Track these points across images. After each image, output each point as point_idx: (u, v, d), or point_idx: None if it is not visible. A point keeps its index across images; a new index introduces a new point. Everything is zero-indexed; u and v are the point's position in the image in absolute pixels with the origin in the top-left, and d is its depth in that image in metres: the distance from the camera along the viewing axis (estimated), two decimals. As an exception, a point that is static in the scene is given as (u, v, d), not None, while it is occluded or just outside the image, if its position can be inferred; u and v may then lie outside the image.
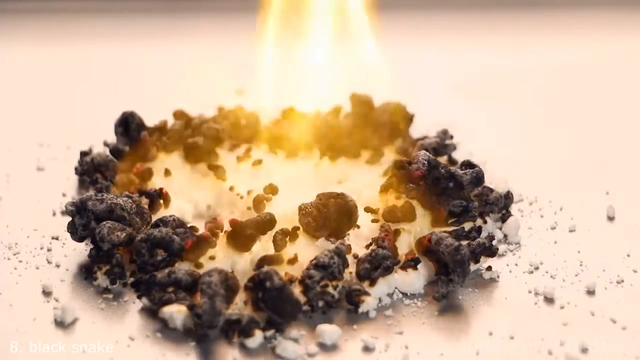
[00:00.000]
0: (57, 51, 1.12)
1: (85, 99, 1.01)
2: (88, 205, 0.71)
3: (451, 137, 0.84)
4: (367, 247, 0.71)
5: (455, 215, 0.72)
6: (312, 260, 0.67)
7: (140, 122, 0.83)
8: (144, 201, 0.74)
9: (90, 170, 0.82)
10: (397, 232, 0.71)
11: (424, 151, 0.72)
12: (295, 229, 0.70)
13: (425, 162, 0.71)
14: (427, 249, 0.69)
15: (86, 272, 0.70)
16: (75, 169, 0.83)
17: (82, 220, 0.71)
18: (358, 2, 0.88)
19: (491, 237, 0.73)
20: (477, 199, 0.74)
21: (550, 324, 0.66)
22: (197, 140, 0.80)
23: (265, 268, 0.65)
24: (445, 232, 0.71)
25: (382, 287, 0.68)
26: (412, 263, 0.70)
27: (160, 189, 0.76)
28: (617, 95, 1.03)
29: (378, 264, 0.68)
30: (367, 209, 0.73)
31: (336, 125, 0.84)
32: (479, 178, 0.72)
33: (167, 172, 0.79)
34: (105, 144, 0.86)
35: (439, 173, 0.72)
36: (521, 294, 0.69)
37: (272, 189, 0.76)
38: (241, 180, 0.78)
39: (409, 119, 0.85)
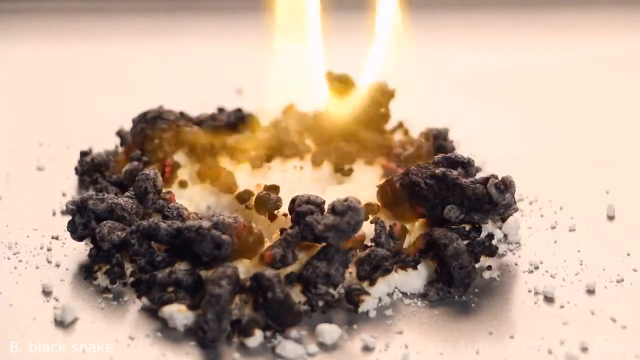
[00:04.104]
0: (58, 51, 1.12)
1: (85, 99, 1.01)
2: (88, 205, 0.71)
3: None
4: (367, 247, 0.71)
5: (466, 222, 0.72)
6: (316, 263, 0.67)
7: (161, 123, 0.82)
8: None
9: (90, 170, 0.82)
10: (402, 229, 0.71)
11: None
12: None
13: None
14: (434, 244, 0.69)
15: (86, 272, 0.70)
16: (75, 169, 0.83)
17: (82, 220, 0.71)
18: (357, 2, 0.88)
19: (491, 237, 0.73)
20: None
21: (550, 323, 0.66)
22: (199, 134, 0.81)
23: (268, 273, 0.65)
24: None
25: (382, 287, 0.68)
26: (412, 263, 0.70)
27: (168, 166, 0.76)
28: (617, 95, 1.03)
29: (378, 264, 0.68)
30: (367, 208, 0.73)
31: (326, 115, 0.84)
32: (510, 204, 0.72)
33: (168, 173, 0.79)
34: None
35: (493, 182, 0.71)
36: (521, 293, 0.69)
37: (274, 189, 0.75)
38: (241, 180, 0.78)
39: (390, 94, 0.85)
